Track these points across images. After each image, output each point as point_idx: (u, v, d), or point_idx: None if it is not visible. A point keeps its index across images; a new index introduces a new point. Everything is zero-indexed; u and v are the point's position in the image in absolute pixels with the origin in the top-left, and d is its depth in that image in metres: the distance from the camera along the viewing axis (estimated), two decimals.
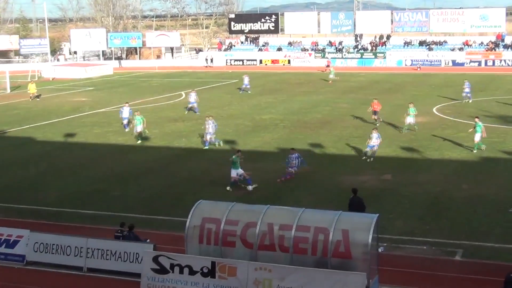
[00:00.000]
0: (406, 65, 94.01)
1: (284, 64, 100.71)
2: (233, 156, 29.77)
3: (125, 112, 44.79)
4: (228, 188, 29.33)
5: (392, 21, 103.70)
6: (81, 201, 28.46)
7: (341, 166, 33.63)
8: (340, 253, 17.80)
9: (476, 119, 36.26)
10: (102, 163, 35.86)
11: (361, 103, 55.06)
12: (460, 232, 23.31)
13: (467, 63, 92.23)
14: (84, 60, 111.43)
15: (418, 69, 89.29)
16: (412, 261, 20.91)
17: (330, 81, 73.45)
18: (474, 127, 35.69)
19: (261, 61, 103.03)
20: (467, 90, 54.33)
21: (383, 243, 21.24)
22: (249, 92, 64.41)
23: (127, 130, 44.01)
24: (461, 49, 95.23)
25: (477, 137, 35.36)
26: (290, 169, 30.95)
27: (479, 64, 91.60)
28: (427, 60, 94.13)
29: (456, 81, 71.47)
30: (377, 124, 42.59)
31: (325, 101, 57.44)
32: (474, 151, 35.23)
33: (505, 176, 30.44)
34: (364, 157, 34.48)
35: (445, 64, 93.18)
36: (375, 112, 44.82)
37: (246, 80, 66.19)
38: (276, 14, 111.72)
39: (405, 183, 29.85)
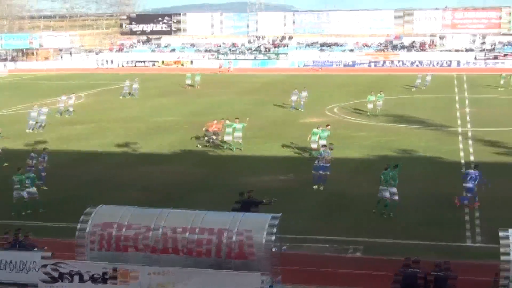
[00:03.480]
0: (307, 65, 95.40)
1: (185, 66, 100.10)
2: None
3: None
4: None
5: (293, 23, 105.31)
6: None
7: (243, 167, 33.50)
8: (241, 254, 17.56)
9: (320, 127, 34.65)
10: None
11: (262, 104, 55.47)
12: (361, 230, 23.61)
13: (365, 64, 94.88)
14: None
15: (320, 69, 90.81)
16: (314, 260, 20.92)
17: (198, 86, 69.48)
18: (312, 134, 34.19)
19: (154, 63, 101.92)
20: (294, 97, 51.53)
21: (286, 243, 21.19)
22: (136, 97, 62.39)
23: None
24: (355, 50, 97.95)
25: (314, 144, 33.95)
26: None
27: (376, 65, 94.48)
28: (327, 61, 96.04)
29: (354, 81, 73.50)
30: (209, 145, 38.11)
31: (227, 102, 57.35)
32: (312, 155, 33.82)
33: (403, 174, 30.98)
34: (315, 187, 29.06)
35: (345, 64, 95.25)
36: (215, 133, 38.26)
37: (134, 84, 63.58)
38: (170, 15, 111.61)
39: (306, 182, 30.00)
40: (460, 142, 38.62)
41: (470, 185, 25.73)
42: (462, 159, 34.37)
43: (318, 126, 35.23)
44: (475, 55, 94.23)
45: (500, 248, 15.91)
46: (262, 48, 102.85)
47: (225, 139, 37.09)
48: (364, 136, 40.32)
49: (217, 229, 18.02)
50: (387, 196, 25.04)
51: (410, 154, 35.40)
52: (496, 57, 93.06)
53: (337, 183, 29.76)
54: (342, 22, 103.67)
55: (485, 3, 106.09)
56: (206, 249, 17.87)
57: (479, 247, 21.92)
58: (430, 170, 32.03)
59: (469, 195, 25.81)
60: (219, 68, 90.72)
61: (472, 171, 26.29)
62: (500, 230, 16.41)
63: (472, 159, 34.04)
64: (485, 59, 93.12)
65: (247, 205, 22.12)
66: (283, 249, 19.96)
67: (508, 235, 16.20)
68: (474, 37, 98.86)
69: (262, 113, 49.22)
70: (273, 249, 19.02)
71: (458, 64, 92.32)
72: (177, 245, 18.05)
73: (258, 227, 18.02)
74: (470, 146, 37.37)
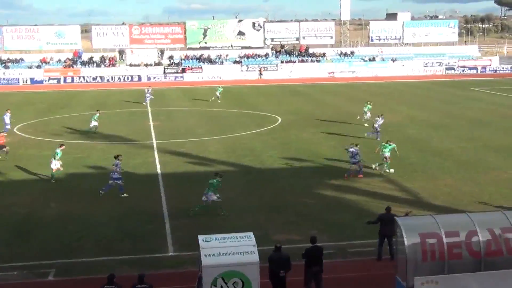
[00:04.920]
0: None
1: None
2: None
3: None
4: None
5: None
6: None
7: None
8: None
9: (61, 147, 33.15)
10: None
11: None
12: (51, 251, 22.10)
13: (46, 81, 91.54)
14: None
15: None
16: None
17: None
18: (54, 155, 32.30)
19: None
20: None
21: None
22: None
23: None
24: (38, 66, 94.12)
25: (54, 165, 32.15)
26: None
27: (59, 81, 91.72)
28: (4, 79, 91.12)
29: (36, 98, 70.60)
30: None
31: None
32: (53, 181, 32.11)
33: (96, 190, 29.73)
34: None
35: (24, 82, 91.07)
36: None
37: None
38: None
39: None
40: (156, 154, 38.73)
41: (354, 160, 31.54)
42: (159, 170, 34.41)
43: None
44: (164, 69, 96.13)
45: (201, 254, 15.85)
46: None
47: None
48: (49, 155, 38.08)
49: None
50: (204, 199, 25.81)
51: (105, 170, 34.14)
52: (183, 71, 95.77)
53: (23, 205, 27.75)
54: (17, 37, 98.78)
55: (176, 18, 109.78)
56: None
57: (176, 255, 21.83)
58: (124, 184, 31.25)
59: (354, 168, 31.62)
60: None
61: (353, 149, 31.60)
62: (200, 236, 16.40)
63: (159, 170, 34.21)
64: (169, 72, 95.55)
65: None
66: None
67: (206, 241, 16.25)
68: (162, 52, 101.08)
69: None
70: None
71: (148, 79, 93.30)
72: None
73: None
74: (156, 157, 37.64)
